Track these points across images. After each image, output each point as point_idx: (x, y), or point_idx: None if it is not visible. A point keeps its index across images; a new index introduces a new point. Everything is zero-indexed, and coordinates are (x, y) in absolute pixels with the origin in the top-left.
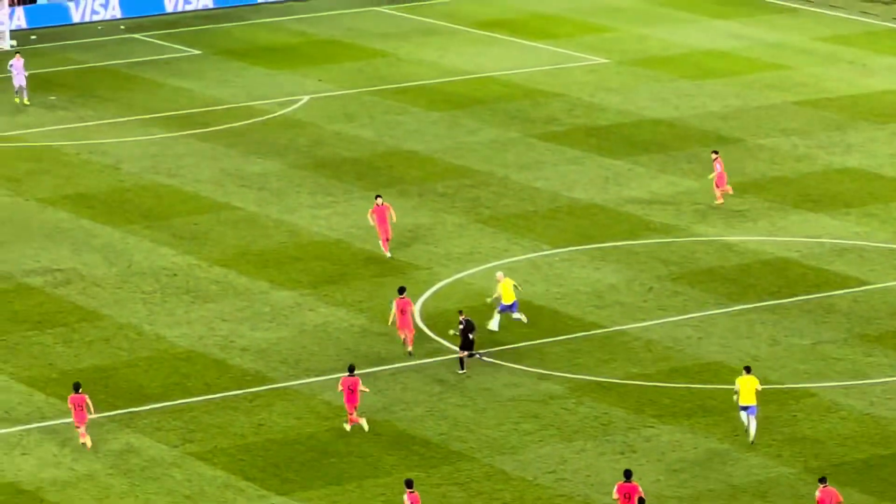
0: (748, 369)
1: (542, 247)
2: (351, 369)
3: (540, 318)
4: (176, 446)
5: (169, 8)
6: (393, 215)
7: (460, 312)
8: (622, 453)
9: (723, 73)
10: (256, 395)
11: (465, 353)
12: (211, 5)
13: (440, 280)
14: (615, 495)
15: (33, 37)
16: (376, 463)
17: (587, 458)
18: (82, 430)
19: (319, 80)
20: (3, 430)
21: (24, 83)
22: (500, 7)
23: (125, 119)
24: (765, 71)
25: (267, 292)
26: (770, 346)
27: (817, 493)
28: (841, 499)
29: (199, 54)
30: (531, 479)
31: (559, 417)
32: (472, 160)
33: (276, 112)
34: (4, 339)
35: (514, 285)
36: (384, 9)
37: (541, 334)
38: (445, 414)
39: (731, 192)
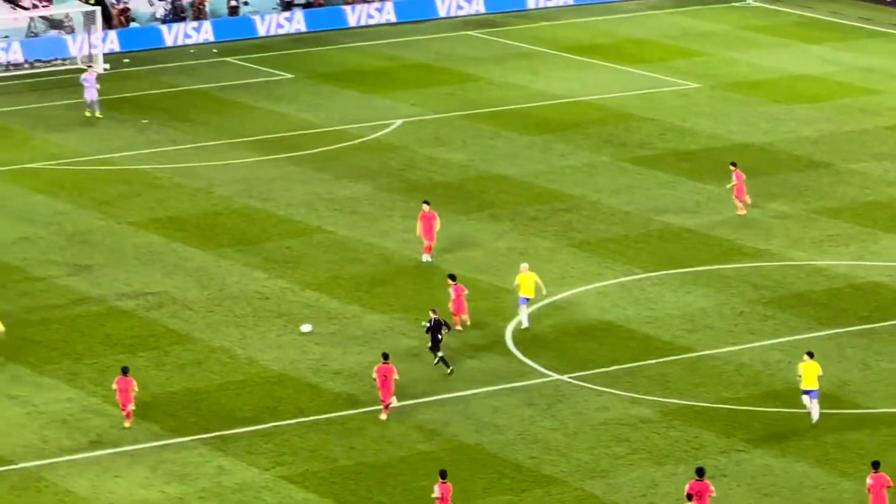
0: (811, 354)
1: (634, 270)
2: (385, 357)
3: (631, 342)
4: (267, 469)
5: (261, 31)
6: (437, 223)
7: (433, 311)
8: (713, 477)
9: (814, 97)
10: (348, 418)
11: (438, 353)
12: (303, 29)
13: (532, 304)
14: (687, 492)
15: (126, 60)
16: (467, 487)
17: (678, 481)
18: (130, 409)
19: (412, 105)
20: (96, 453)
21: (95, 97)
22: (591, 31)
23: (217, 142)
24: (856, 95)
25: (359, 316)
26: (861, 371)
27: (868, 480)
28: (891, 483)
29: (291, 78)
30: (622, 502)
31: (650, 441)
32: (564, 184)
33: (368, 136)
34: (97, 363)
35: (537, 282)
36: (475, 33)
37: (631, 358)
38: (537, 437)
39: (749, 202)
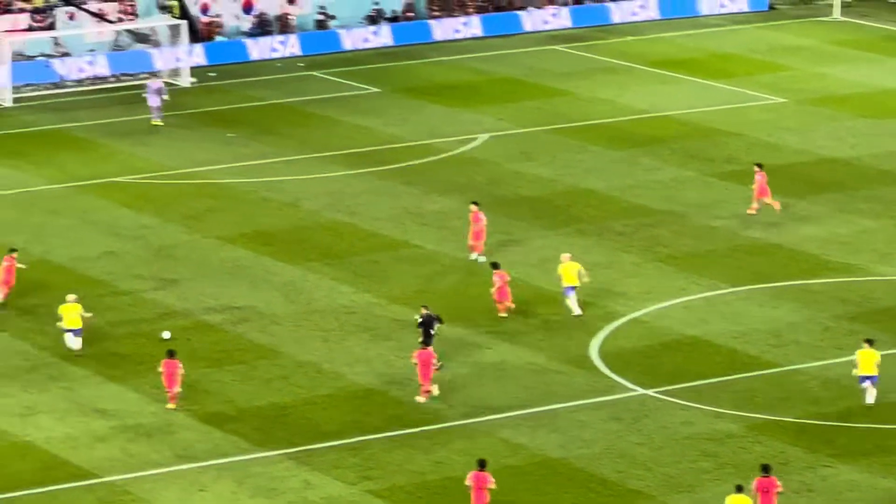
0: (870, 342)
1: (720, 285)
2: (427, 341)
3: (717, 357)
4: (354, 484)
5: (348, 45)
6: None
7: (424, 307)
8: (797, 492)
9: None
10: (435, 432)
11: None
12: (390, 43)
13: (617, 319)
14: (754, 490)
15: (212, 74)
16: (554, 501)
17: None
18: (175, 391)
19: (498, 119)
20: (182, 467)
21: (157, 104)
22: (678, 46)
23: (304, 156)
24: None
25: (445, 330)
26: None
27: None
28: None
29: (378, 92)
30: None
31: (736, 456)
32: (650, 199)
33: (454, 150)
34: (183, 376)
35: (580, 271)
36: (562, 47)
37: (717, 372)
38: (623, 452)
39: (773, 205)
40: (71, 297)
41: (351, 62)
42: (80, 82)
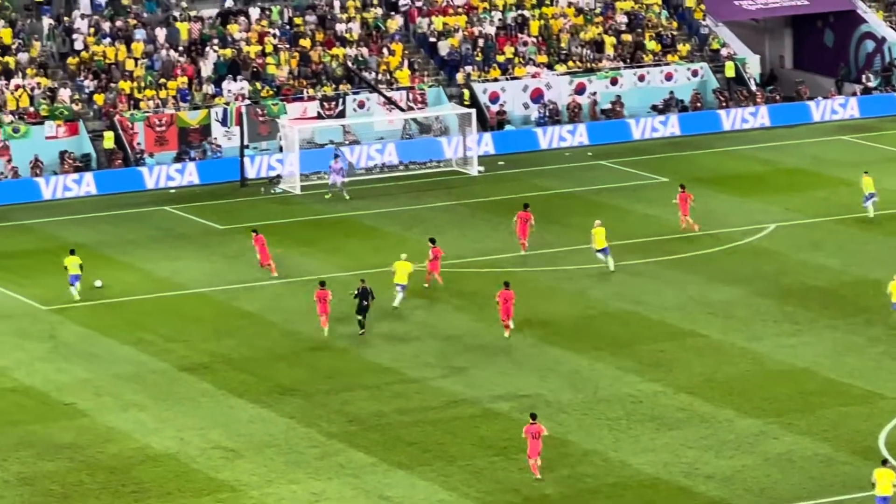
0: None
1: None
2: (507, 284)
3: None
4: None
5: (636, 135)
6: (532, 223)
7: (362, 280)
8: None
9: None
10: None
11: (359, 317)
12: (678, 133)
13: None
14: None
15: (501, 162)
16: None
17: None
18: (324, 318)
19: (786, 209)
20: None
21: (337, 181)
22: None
23: (590, 246)
24: None
25: (731, 420)
26: None
27: None
28: None
29: (665, 181)
30: None
31: None
32: None
33: (741, 240)
34: (470, 464)
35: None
36: (850, 137)
37: None
38: None
39: (688, 222)
40: (404, 255)
41: (639, 151)
42: (369, 170)
